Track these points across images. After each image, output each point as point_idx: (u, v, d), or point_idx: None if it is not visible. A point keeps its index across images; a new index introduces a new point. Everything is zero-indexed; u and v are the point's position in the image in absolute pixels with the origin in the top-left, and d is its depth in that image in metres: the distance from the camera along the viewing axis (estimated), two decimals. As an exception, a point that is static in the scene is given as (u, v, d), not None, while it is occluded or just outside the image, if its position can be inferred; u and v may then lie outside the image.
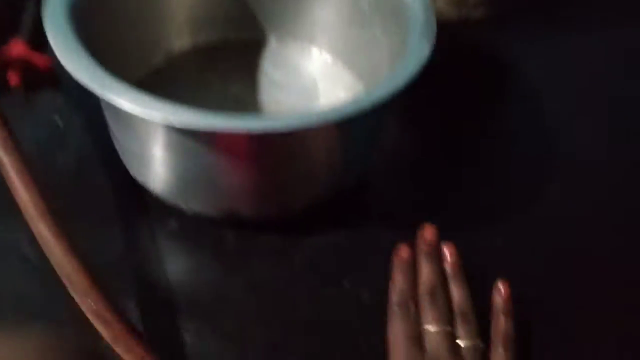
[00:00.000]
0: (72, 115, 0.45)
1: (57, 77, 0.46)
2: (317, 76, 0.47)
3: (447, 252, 0.36)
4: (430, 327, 0.33)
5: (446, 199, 0.44)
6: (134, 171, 0.39)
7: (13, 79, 0.45)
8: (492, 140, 0.49)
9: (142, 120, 0.33)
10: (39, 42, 0.48)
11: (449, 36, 0.56)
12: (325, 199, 0.40)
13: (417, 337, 0.33)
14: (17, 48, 0.46)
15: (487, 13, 0.56)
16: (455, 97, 0.51)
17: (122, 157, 0.40)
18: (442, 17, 0.55)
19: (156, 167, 0.37)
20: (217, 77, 0.47)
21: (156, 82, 0.46)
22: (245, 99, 0.46)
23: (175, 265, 0.38)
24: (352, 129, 0.36)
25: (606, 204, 0.45)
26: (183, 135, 0.33)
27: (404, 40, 0.36)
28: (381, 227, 0.41)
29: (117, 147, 0.40)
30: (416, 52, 0.34)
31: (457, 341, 0.33)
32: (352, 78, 0.46)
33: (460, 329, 0.34)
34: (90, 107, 0.45)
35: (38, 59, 0.46)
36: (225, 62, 0.48)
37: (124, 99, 0.31)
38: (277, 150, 0.35)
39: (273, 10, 0.47)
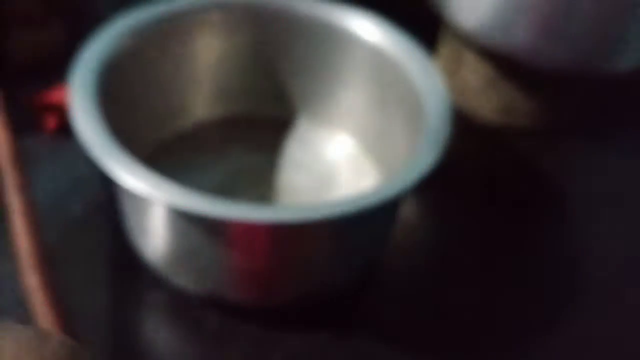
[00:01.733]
0: (97, 166, 0.46)
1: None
2: (339, 161, 0.47)
3: None
4: None
5: (457, 320, 0.41)
6: (128, 233, 0.39)
7: (50, 122, 0.47)
8: (522, 256, 0.46)
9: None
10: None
11: (493, 143, 0.55)
12: (317, 297, 0.38)
13: None
14: (59, 94, 0.48)
15: (535, 124, 0.53)
16: (489, 206, 0.49)
17: (120, 216, 0.40)
18: (488, 123, 0.54)
19: (146, 237, 0.37)
20: (239, 149, 0.47)
21: (178, 147, 0.47)
22: (262, 174, 0.46)
23: (151, 336, 0.38)
24: (347, 230, 0.35)
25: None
26: (174, 214, 0.33)
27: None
28: (372, 339, 0.39)
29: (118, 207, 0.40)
30: (421, 159, 0.33)
31: None
32: (373, 168, 0.46)
33: None
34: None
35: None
36: (250, 135, 0.48)
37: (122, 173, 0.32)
38: (267, 242, 0.34)
39: (305, 90, 0.47)
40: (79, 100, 0.36)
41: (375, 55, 0.42)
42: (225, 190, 0.45)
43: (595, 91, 0.57)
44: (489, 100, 0.53)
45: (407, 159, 0.36)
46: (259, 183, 0.45)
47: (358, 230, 0.36)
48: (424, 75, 0.38)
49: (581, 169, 0.54)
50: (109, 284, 0.40)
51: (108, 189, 0.44)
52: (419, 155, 0.33)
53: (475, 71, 0.53)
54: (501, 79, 0.52)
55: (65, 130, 0.48)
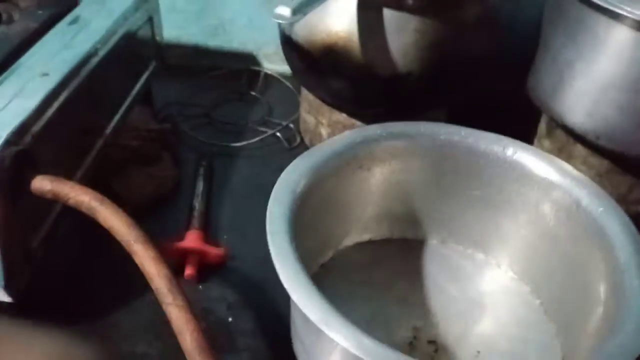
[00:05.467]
0: (242, 312, 0.46)
1: (228, 269, 0.49)
2: (484, 285, 0.47)
3: None
4: None
5: None
6: None
7: (189, 270, 0.47)
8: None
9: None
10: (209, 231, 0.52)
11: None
12: None
13: None
14: (193, 239, 0.48)
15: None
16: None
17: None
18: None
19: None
20: (381, 274, 0.48)
21: (324, 278, 0.47)
22: (409, 298, 0.46)
23: None
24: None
25: None
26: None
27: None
28: None
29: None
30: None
31: None
32: (528, 293, 0.46)
33: None
34: (261, 304, 0.47)
35: (212, 252, 0.48)
36: (389, 259, 0.48)
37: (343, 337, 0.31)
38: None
39: (468, 219, 0.48)
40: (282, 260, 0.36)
41: (550, 193, 0.43)
42: (379, 318, 0.45)
43: None
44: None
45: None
46: (408, 308, 0.45)
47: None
48: (613, 221, 0.38)
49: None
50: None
51: (270, 335, 0.44)
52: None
53: (587, 163, 0.53)
54: (615, 171, 0.53)
55: (202, 275, 0.48)
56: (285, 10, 0.42)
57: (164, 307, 0.36)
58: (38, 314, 0.44)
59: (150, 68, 0.63)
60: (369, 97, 0.54)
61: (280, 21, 0.42)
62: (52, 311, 0.44)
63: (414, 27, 0.50)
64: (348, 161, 0.43)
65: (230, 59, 0.75)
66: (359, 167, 0.44)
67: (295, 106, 0.66)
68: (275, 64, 0.74)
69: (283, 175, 0.40)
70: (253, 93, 0.71)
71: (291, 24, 0.54)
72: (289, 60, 0.58)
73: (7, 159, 0.38)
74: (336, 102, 0.56)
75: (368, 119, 0.55)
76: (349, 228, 0.48)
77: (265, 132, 0.64)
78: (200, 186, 0.55)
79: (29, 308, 0.43)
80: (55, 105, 0.44)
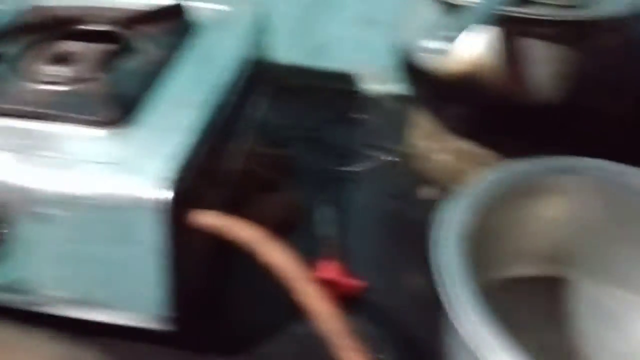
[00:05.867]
0: (388, 348, 0.45)
1: (366, 302, 0.48)
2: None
3: None
4: None
5: None
6: None
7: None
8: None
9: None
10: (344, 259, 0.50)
11: None
12: None
13: None
14: (331, 270, 0.48)
15: None
16: None
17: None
18: None
19: None
20: (526, 316, 0.46)
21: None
22: (560, 346, 0.44)
23: None
24: None
25: None
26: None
27: None
28: None
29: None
30: None
31: None
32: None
33: None
34: (404, 339, 0.46)
35: (352, 284, 0.48)
36: (535, 299, 0.47)
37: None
38: None
39: (602, 256, 0.46)
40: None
41: None
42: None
43: None
44: None
45: None
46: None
47: None
48: None
49: None
50: None
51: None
52: None
53: None
54: None
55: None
56: (445, 45, 0.41)
57: (336, 349, 0.36)
58: (182, 345, 0.45)
59: (264, 91, 0.63)
60: (500, 127, 0.53)
61: (439, 56, 0.41)
62: (197, 341, 0.45)
63: (554, 55, 0.49)
64: (504, 201, 0.42)
65: (332, 79, 0.75)
66: (514, 205, 0.43)
67: (403, 129, 0.66)
68: (377, 84, 0.74)
69: (441, 222, 0.39)
70: (358, 115, 0.71)
71: (413, 52, 0.54)
72: (413, 87, 0.57)
73: (176, 196, 0.39)
74: (464, 130, 0.55)
75: (497, 149, 0.55)
76: (493, 267, 0.46)
77: (377, 156, 0.63)
78: (325, 213, 0.55)
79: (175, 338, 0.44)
80: (204, 137, 0.45)
